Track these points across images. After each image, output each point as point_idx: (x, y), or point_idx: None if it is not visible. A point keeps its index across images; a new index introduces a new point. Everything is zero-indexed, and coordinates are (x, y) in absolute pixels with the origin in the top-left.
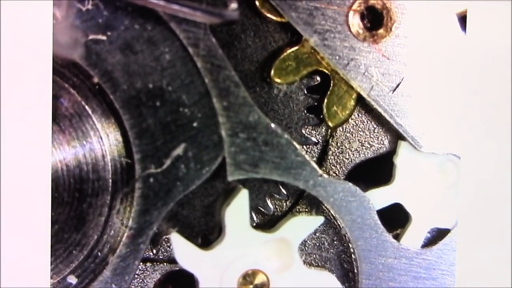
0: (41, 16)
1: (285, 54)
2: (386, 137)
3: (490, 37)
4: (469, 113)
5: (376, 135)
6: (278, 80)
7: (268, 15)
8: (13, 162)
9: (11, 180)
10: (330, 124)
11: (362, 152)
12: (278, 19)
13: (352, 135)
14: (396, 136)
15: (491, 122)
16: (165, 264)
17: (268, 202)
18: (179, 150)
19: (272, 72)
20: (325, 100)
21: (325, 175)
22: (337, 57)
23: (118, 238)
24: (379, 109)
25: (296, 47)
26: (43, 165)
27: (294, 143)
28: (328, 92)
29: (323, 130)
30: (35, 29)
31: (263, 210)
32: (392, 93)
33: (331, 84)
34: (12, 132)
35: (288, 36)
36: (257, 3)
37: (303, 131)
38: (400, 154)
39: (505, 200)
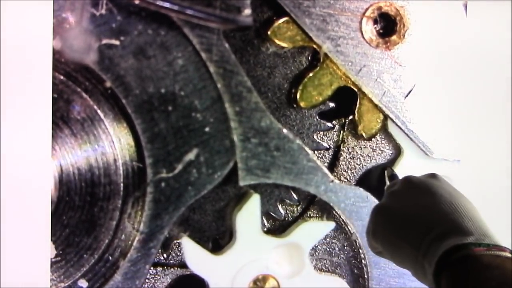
0: (41, 16)
1: (306, 78)
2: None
3: (502, 44)
4: (481, 120)
5: (388, 141)
6: (305, 106)
7: (280, 43)
8: (13, 163)
9: (11, 181)
10: (365, 136)
11: (374, 158)
12: (291, 45)
13: (363, 140)
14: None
15: (503, 129)
16: (176, 268)
17: (279, 207)
18: (191, 155)
19: (298, 98)
20: (356, 115)
21: (337, 181)
22: (349, 63)
23: (129, 242)
24: (391, 115)
25: (317, 69)
26: (44, 166)
27: (306, 148)
28: (357, 106)
29: (335, 135)
30: (35, 29)
31: (274, 215)
32: (404, 99)
33: (358, 98)
34: (12, 132)
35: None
36: (269, 32)
37: (315, 137)
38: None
39: None
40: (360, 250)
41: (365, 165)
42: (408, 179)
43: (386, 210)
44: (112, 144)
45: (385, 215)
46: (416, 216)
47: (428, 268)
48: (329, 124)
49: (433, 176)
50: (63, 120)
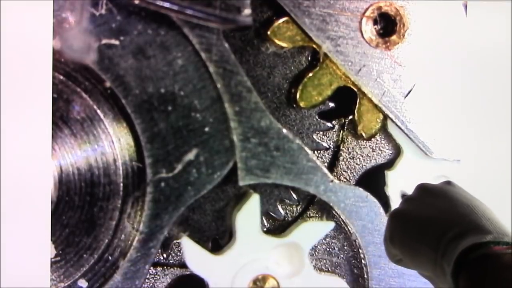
0: (41, 16)
1: (306, 78)
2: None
3: (501, 44)
4: (480, 120)
5: (387, 141)
6: (305, 105)
7: (279, 43)
8: (13, 163)
9: (11, 180)
10: (365, 136)
11: (373, 158)
12: (290, 45)
13: (363, 140)
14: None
15: (503, 129)
16: (175, 268)
17: (279, 207)
18: (190, 155)
19: (298, 98)
20: (356, 114)
21: (336, 181)
22: (349, 63)
23: (129, 242)
24: (391, 115)
25: (316, 69)
26: (44, 166)
27: (306, 148)
28: (357, 106)
29: (334, 135)
30: (35, 29)
31: (273, 215)
32: (404, 99)
33: (358, 98)
34: (12, 132)
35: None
36: (268, 32)
37: (315, 137)
38: (390, 185)
39: None
40: (360, 250)
41: (364, 165)
42: (424, 186)
43: (402, 215)
44: (112, 144)
45: (401, 220)
46: (433, 218)
47: (447, 268)
48: (329, 124)
49: (448, 183)
50: (62, 120)
